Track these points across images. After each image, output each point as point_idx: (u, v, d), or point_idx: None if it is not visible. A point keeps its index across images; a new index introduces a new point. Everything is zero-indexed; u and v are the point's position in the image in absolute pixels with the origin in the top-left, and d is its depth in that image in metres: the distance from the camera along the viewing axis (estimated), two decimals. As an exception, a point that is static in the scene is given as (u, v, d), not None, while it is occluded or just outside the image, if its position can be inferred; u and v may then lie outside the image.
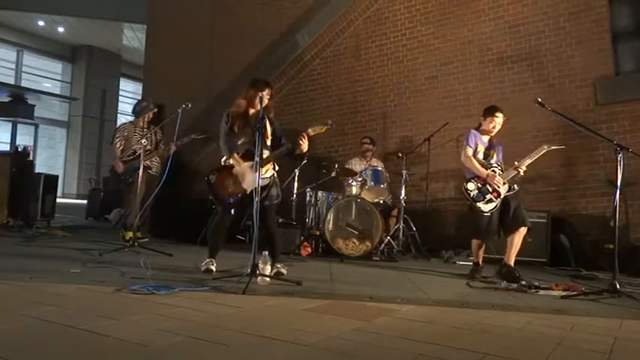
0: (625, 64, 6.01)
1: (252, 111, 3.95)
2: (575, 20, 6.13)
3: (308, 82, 8.04)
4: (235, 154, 3.88)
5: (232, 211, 3.95)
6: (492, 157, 4.46)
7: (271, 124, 3.97)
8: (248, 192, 3.82)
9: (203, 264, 3.84)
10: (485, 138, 4.49)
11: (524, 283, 3.94)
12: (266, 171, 3.84)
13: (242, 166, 3.85)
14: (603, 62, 5.97)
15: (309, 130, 3.78)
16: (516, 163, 4.30)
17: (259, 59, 8.35)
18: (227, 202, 3.89)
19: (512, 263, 4.22)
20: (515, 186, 4.36)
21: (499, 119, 4.42)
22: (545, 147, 4.29)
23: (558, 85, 6.18)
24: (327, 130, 3.88)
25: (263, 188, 3.75)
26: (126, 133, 5.80)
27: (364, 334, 2.41)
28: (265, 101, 3.90)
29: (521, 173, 4.29)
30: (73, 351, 1.96)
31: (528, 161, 4.28)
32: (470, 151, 4.40)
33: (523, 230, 4.24)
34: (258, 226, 3.50)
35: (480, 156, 4.45)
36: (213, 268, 3.80)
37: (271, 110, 4.02)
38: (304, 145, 3.76)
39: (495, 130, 4.46)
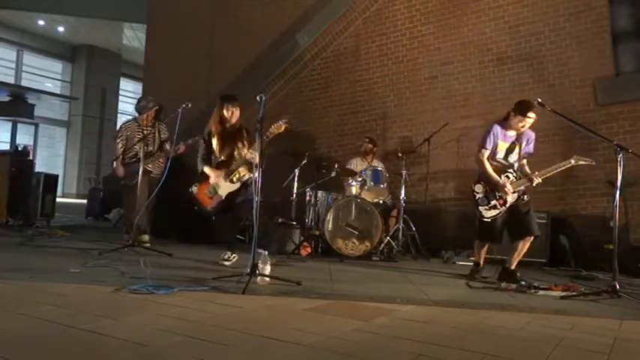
0: (625, 64, 6.01)
1: (227, 126, 4.48)
2: (575, 21, 6.13)
3: (308, 82, 8.05)
4: (207, 166, 4.45)
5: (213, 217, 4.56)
6: (515, 152, 4.18)
7: (248, 134, 4.46)
8: (224, 197, 4.39)
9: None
10: (512, 133, 4.19)
11: (523, 283, 3.94)
12: (237, 179, 4.37)
13: (216, 176, 4.39)
14: (603, 63, 5.97)
15: (269, 132, 4.09)
16: (536, 172, 4.08)
17: (259, 59, 8.36)
18: (209, 209, 4.45)
19: (513, 267, 4.20)
20: (526, 197, 4.16)
21: (531, 120, 4.08)
22: (572, 161, 4.02)
23: (558, 86, 6.18)
24: (287, 127, 4.14)
25: (235, 191, 4.40)
26: (129, 133, 5.63)
27: (364, 334, 2.41)
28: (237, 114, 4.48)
29: (534, 184, 4.07)
30: (73, 351, 1.97)
31: (548, 173, 4.07)
32: (486, 154, 4.16)
33: (530, 238, 4.13)
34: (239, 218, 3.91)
35: (501, 155, 4.20)
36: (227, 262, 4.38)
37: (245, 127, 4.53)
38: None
39: (524, 129, 4.17)
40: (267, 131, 4.03)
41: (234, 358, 2.02)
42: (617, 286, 3.62)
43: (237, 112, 4.47)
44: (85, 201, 10.79)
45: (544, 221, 5.48)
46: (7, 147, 16.01)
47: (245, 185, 4.41)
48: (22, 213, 6.70)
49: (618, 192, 3.74)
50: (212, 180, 4.41)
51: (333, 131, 7.76)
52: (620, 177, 3.74)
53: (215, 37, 8.94)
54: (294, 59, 8.07)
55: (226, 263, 4.34)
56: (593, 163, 4.20)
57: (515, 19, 6.50)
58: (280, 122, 4.08)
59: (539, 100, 4.06)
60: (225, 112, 4.44)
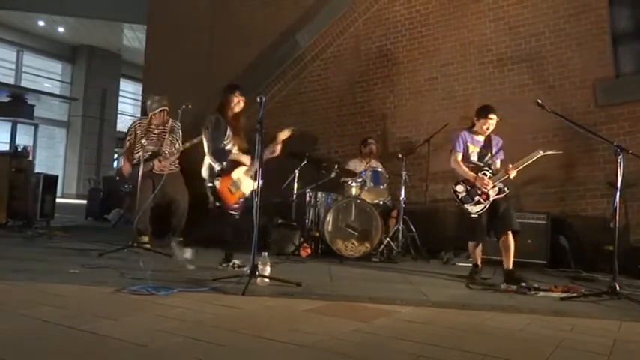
0: (625, 65, 6.01)
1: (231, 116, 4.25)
2: (575, 22, 6.13)
3: (308, 83, 8.04)
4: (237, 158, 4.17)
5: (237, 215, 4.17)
6: (487, 156, 4.38)
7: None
8: (247, 194, 4.14)
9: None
10: (480, 138, 4.43)
11: (524, 284, 3.94)
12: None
13: (239, 173, 4.12)
14: (603, 64, 5.97)
15: (280, 136, 4.20)
16: (510, 165, 4.24)
17: (259, 59, 8.36)
18: (232, 207, 4.12)
19: (510, 267, 4.20)
20: (506, 189, 4.29)
21: (493, 121, 4.36)
22: (540, 152, 4.21)
23: (558, 87, 6.18)
24: (292, 134, 4.29)
25: None
26: (139, 132, 5.50)
27: (364, 335, 2.41)
28: (242, 105, 4.27)
29: (511, 177, 4.22)
30: (73, 351, 1.96)
31: (521, 165, 4.22)
32: (459, 156, 4.36)
33: (510, 233, 4.20)
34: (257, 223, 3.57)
35: (474, 157, 4.38)
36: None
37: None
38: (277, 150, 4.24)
39: (489, 131, 4.40)
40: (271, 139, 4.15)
41: (234, 359, 2.02)
42: (617, 287, 3.61)
43: (242, 102, 4.24)
44: (84, 201, 10.79)
45: (544, 222, 5.49)
46: (6, 148, 15.98)
47: None
48: (22, 214, 6.70)
49: (618, 193, 3.74)
50: (239, 174, 4.06)
51: (333, 132, 7.76)
52: (620, 178, 3.74)
53: (215, 37, 8.93)
54: (295, 60, 8.07)
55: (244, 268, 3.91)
56: (561, 152, 4.70)
57: (515, 20, 6.50)
58: (286, 130, 4.22)
59: (539, 101, 4.09)
60: (235, 99, 4.19)
